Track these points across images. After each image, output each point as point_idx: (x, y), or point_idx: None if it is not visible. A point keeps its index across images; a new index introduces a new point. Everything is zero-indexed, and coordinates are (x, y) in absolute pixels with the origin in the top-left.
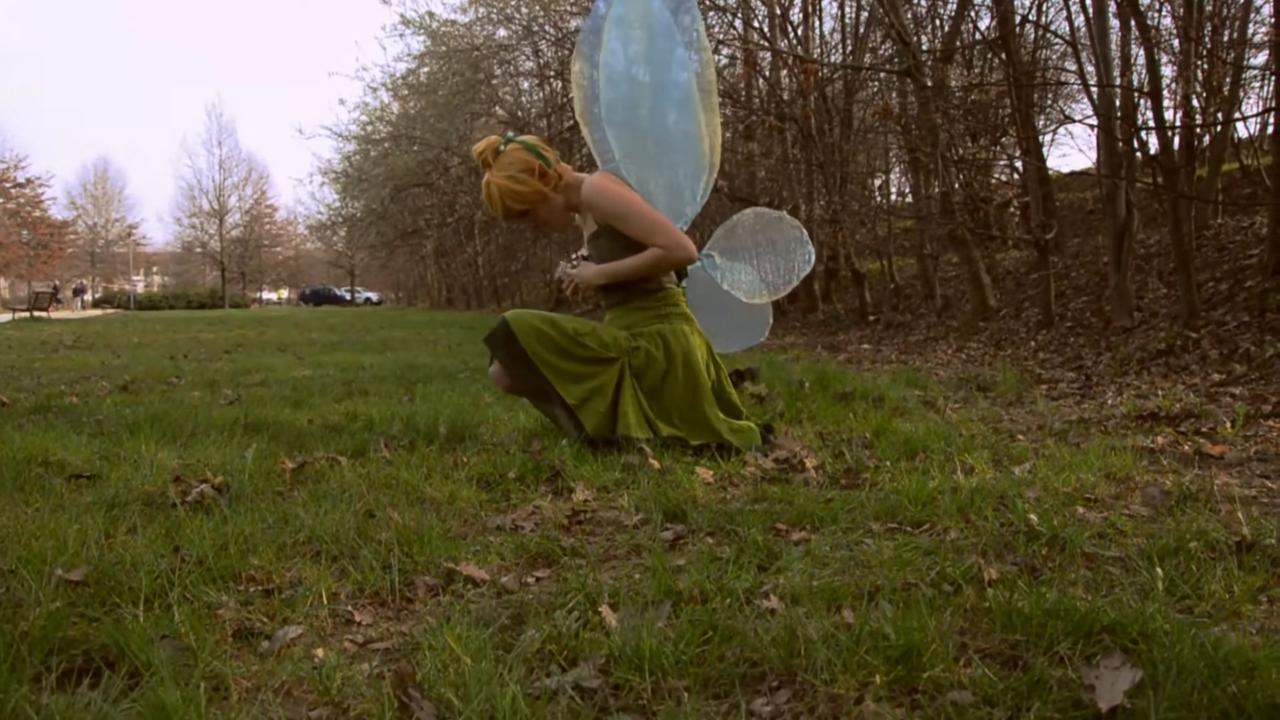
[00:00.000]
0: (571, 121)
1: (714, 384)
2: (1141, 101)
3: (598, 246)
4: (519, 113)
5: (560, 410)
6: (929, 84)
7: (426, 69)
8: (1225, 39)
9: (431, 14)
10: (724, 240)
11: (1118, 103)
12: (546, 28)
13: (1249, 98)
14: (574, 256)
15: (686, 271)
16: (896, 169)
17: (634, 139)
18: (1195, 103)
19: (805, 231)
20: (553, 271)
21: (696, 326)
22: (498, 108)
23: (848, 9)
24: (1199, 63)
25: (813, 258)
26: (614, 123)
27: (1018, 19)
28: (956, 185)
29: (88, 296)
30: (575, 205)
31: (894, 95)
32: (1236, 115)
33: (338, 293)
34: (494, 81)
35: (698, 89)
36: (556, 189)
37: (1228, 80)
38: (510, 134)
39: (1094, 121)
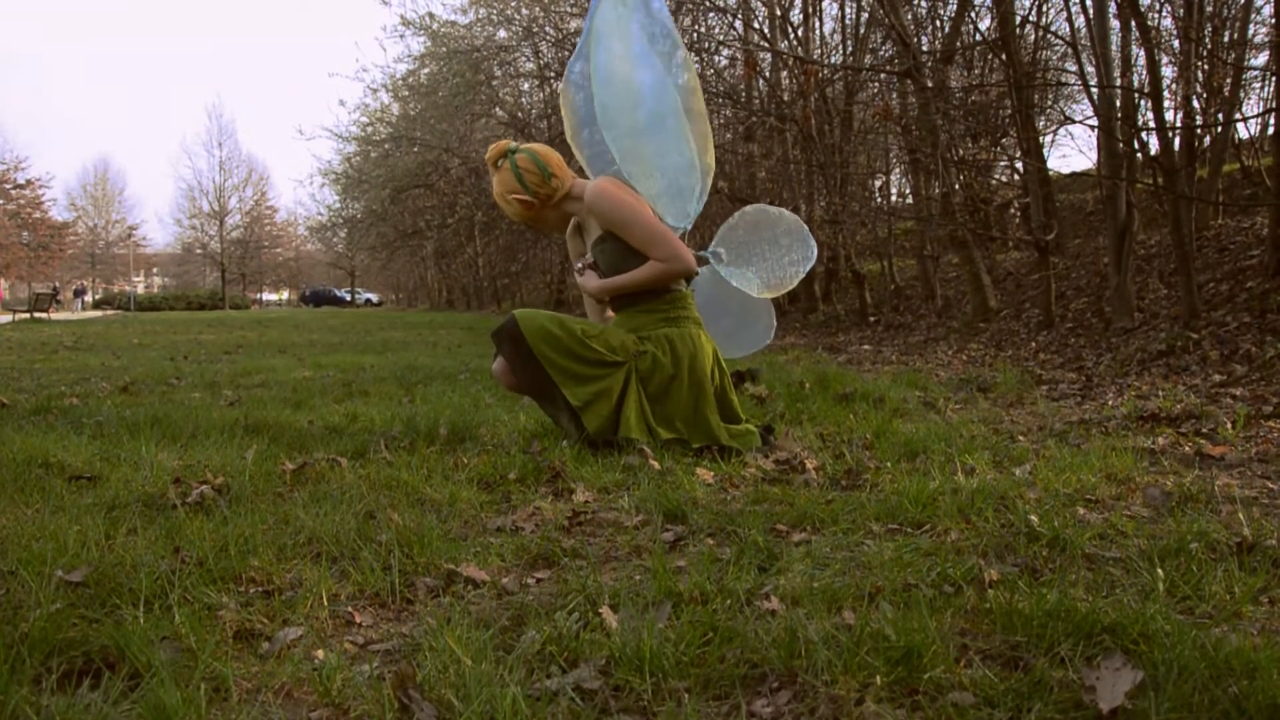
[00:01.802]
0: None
1: (717, 389)
2: (1142, 102)
3: (602, 252)
4: (519, 114)
5: (563, 412)
6: (929, 85)
7: (427, 70)
8: (1226, 40)
9: (432, 15)
10: (727, 238)
11: (1118, 103)
12: (547, 29)
13: (1249, 98)
14: (580, 263)
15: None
16: (897, 170)
17: (634, 141)
18: (1196, 103)
19: (806, 228)
20: (554, 273)
21: (704, 330)
22: (498, 109)
23: (848, 10)
24: (1199, 63)
25: (814, 253)
26: (614, 125)
27: (1018, 20)
28: (957, 186)
29: (88, 298)
30: (581, 211)
31: (894, 96)
32: (1237, 116)
33: (338, 294)
34: (494, 83)
35: (690, 92)
36: (549, 205)
37: (1228, 81)
38: (514, 145)
39: (1094, 122)
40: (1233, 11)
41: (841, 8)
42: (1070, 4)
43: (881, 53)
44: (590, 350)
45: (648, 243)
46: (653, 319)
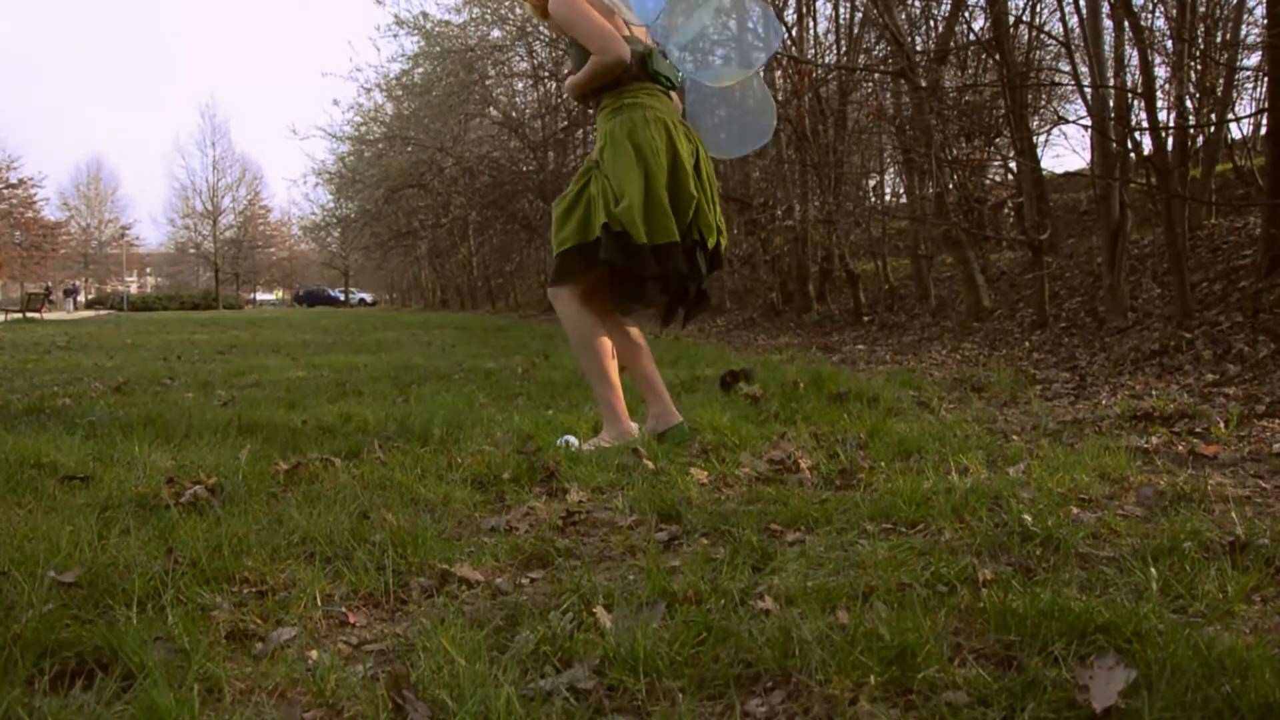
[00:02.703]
0: (565, 123)
1: (670, 164)
2: (1135, 102)
3: (570, 54)
4: (513, 113)
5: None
6: (923, 85)
7: (421, 69)
8: (1218, 40)
9: (425, 15)
10: (670, 25)
11: (1111, 103)
12: (541, 28)
13: (1242, 98)
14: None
15: (674, 81)
16: (891, 170)
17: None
18: (1189, 103)
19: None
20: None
21: (660, 114)
22: (492, 108)
23: (842, 10)
24: (1192, 64)
25: (778, 28)
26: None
27: (1011, 20)
28: (951, 186)
29: (80, 298)
30: None
31: (888, 96)
32: (1230, 116)
33: (332, 294)
34: (488, 82)
35: None
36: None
37: (1221, 81)
38: None
39: (1088, 122)
40: (1225, 12)
41: (835, 7)
42: (1064, 4)
43: (875, 52)
44: (570, 197)
45: (586, 39)
46: (607, 113)
